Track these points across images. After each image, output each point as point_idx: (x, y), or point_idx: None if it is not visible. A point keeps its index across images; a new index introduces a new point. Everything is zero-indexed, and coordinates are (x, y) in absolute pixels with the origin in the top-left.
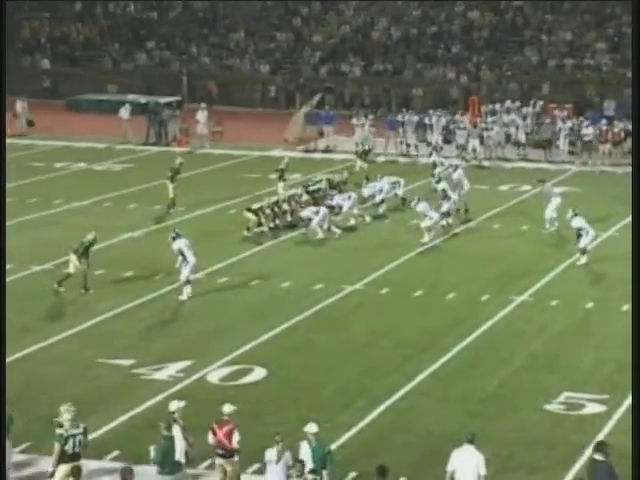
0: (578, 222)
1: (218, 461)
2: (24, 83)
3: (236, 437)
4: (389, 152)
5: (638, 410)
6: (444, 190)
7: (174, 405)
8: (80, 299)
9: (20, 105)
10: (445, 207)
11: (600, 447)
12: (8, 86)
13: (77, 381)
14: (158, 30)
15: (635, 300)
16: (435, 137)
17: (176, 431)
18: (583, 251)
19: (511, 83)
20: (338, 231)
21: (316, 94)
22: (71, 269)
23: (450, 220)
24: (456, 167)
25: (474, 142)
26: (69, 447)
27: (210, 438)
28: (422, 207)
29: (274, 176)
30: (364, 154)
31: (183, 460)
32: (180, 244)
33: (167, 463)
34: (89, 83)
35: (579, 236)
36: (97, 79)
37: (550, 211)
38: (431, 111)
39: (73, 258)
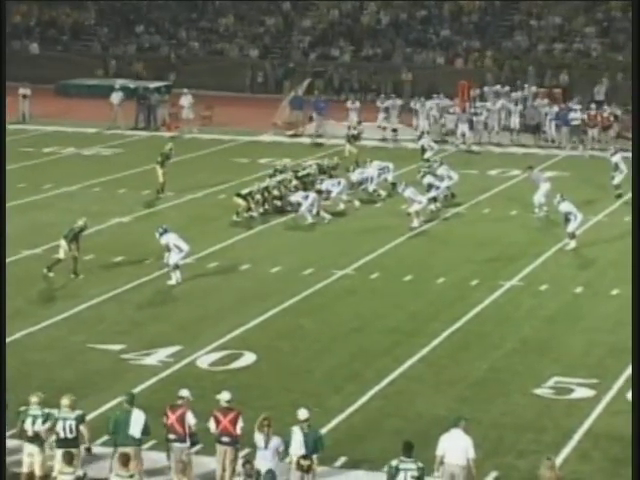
0: (566, 207)
1: (221, 448)
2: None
3: (240, 424)
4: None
5: (638, 405)
6: (430, 184)
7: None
8: (69, 284)
9: (22, 91)
10: (433, 193)
11: None
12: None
13: (66, 366)
14: (147, 14)
15: (635, 289)
16: (422, 122)
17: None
18: (572, 235)
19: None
20: (328, 216)
21: (305, 79)
22: (61, 254)
23: (438, 205)
24: (441, 163)
25: (463, 127)
26: (60, 430)
27: (212, 426)
28: (409, 192)
29: (264, 160)
30: (353, 139)
31: (138, 435)
32: (168, 238)
33: (117, 433)
34: (78, 68)
35: (567, 221)
36: (86, 64)
37: (539, 196)
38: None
39: (63, 244)
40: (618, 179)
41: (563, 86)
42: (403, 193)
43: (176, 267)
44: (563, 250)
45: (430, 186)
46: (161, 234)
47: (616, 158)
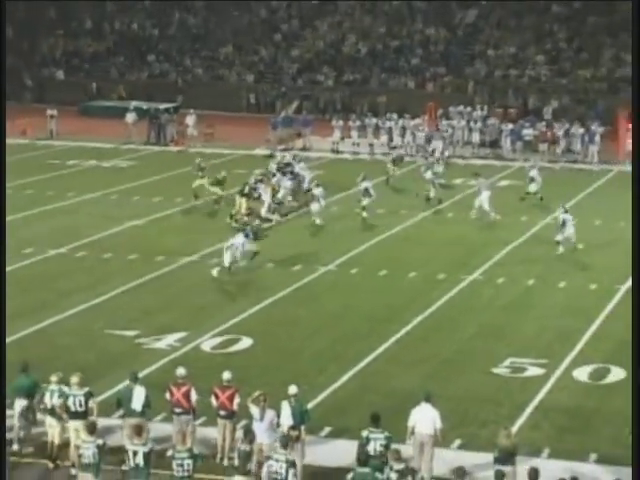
0: (566, 217)
1: (220, 421)
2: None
3: (236, 400)
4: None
5: (638, 399)
6: (367, 188)
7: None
8: (90, 279)
9: (50, 112)
10: (365, 201)
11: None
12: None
13: (88, 349)
14: (157, 45)
15: (635, 288)
16: (396, 138)
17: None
18: (565, 240)
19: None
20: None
21: (294, 100)
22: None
23: (364, 214)
24: (427, 168)
25: (436, 143)
26: (71, 405)
27: (213, 401)
28: (319, 192)
29: (259, 171)
30: (396, 160)
31: (139, 408)
32: (241, 241)
33: (124, 407)
34: (98, 91)
35: (563, 226)
36: (105, 88)
37: (479, 200)
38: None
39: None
40: (534, 188)
41: (532, 107)
42: (314, 191)
43: (228, 267)
44: (519, 248)
45: (366, 191)
46: (246, 236)
47: (533, 173)
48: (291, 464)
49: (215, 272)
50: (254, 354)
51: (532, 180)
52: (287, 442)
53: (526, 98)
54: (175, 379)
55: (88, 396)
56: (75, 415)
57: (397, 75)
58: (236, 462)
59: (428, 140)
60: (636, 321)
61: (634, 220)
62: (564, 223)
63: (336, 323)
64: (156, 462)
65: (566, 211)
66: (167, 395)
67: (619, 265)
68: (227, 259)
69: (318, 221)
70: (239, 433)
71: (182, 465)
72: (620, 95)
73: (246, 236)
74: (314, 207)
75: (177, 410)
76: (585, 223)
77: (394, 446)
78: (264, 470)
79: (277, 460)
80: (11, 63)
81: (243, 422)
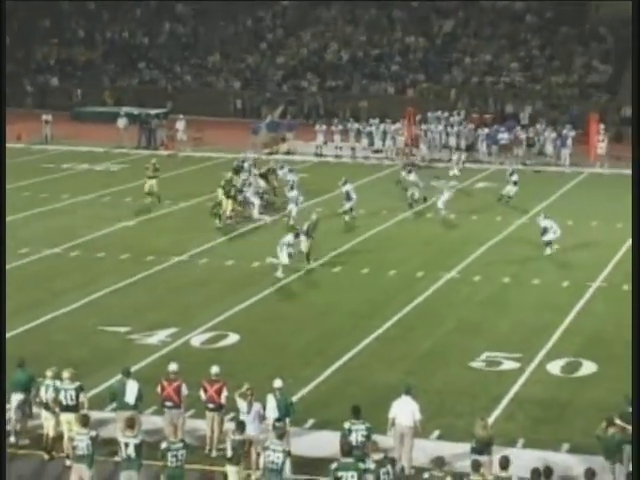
0: (546, 223)
1: (209, 414)
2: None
3: (224, 393)
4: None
5: (638, 397)
6: (347, 192)
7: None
8: (84, 278)
9: (45, 117)
10: (347, 205)
11: None
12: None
13: (82, 345)
14: (148, 53)
15: (635, 288)
16: (377, 142)
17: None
18: (548, 243)
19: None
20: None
21: (279, 106)
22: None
23: (353, 214)
24: (410, 171)
25: (423, 147)
26: (62, 398)
27: (202, 394)
28: (292, 195)
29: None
30: (409, 167)
31: (132, 402)
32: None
33: (116, 401)
34: (90, 97)
35: (545, 232)
36: (97, 94)
37: (441, 202)
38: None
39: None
40: (512, 191)
41: (509, 112)
42: (288, 194)
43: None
44: (495, 248)
45: (348, 194)
46: (296, 235)
47: (514, 177)
48: (287, 454)
49: (279, 273)
50: (241, 349)
51: (515, 184)
52: (282, 434)
53: (504, 104)
54: (167, 374)
55: (79, 390)
56: (67, 408)
57: (378, 81)
58: (229, 453)
59: (407, 144)
60: (636, 321)
61: (634, 220)
62: (545, 230)
63: (320, 319)
64: (147, 453)
65: (547, 217)
66: (158, 389)
67: (590, 263)
68: (284, 259)
69: (292, 222)
70: (227, 425)
71: (176, 456)
72: (591, 100)
73: (296, 236)
74: (290, 209)
75: (168, 404)
76: (557, 223)
77: (374, 437)
78: (261, 460)
79: (274, 450)
80: (11, 70)
81: (231, 414)
